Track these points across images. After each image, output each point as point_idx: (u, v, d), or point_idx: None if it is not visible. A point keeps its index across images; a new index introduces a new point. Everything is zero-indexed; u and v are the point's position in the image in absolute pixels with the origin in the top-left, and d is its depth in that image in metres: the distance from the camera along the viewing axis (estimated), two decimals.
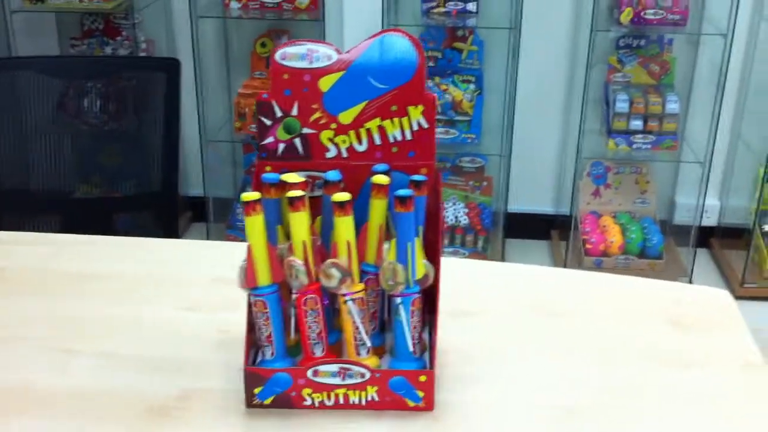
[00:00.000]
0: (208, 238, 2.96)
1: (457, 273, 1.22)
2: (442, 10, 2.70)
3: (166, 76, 1.77)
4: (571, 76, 2.93)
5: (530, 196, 3.18)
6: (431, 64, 2.94)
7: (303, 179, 0.91)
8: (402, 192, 0.87)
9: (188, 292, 1.14)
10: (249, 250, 0.89)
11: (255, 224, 0.88)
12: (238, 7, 2.62)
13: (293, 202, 0.88)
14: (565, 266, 3.00)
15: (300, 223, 0.88)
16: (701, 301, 1.14)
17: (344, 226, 0.88)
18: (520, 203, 3.17)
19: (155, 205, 1.78)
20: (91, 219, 1.78)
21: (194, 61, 2.84)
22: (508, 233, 3.19)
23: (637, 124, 2.73)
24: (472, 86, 2.87)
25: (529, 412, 0.91)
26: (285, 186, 0.90)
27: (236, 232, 2.91)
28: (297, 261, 0.88)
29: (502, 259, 3.07)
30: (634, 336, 1.04)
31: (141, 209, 1.82)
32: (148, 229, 1.82)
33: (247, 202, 0.88)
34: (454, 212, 3.03)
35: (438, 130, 2.82)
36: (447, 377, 0.96)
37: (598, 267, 2.91)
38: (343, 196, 0.88)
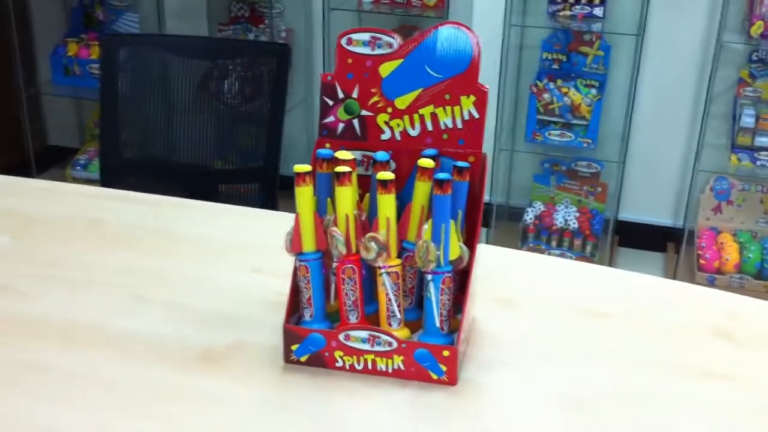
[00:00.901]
0: None
1: (512, 263, 1.26)
2: (568, 13, 2.69)
3: (276, 60, 1.88)
4: (698, 87, 2.85)
5: (646, 205, 3.11)
6: (555, 66, 2.94)
7: (353, 157, 0.97)
8: (441, 175, 0.92)
9: (260, 256, 1.22)
10: (297, 218, 0.96)
11: (303, 194, 0.96)
12: (370, 1, 2.72)
13: (339, 176, 0.94)
14: (674, 278, 2.92)
15: (344, 196, 0.95)
16: (760, 315, 1.12)
17: (385, 203, 0.94)
18: (635, 212, 3.12)
19: (259, 178, 1.91)
20: (203, 187, 1.93)
21: (323, 51, 2.97)
22: (620, 242, 3.14)
23: (762, 140, 2.63)
24: (593, 91, 2.85)
25: (546, 405, 0.93)
26: (338, 162, 0.97)
27: None
28: (338, 232, 0.95)
29: (610, 266, 3.03)
30: (673, 343, 1.05)
31: (247, 181, 1.95)
32: (252, 200, 1.94)
33: (298, 174, 0.96)
34: (565, 215, 3.01)
35: (554, 132, 2.82)
36: (477, 358, 1.00)
37: (710, 284, 2.82)
38: (386, 175, 0.94)
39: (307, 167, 0.96)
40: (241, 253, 1.25)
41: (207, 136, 2.01)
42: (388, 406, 0.93)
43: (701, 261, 2.85)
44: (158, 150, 2.01)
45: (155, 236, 1.31)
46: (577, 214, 3.02)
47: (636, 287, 1.19)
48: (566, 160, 3.03)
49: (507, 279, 1.19)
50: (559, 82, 2.90)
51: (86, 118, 3.69)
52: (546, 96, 2.82)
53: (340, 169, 0.95)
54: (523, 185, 3.17)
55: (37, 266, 1.22)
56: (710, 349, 1.04)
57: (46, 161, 3.69)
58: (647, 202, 3.12)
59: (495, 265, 1.21)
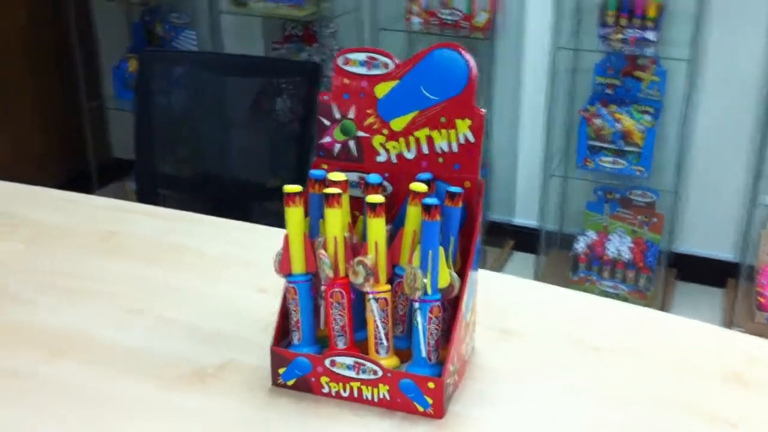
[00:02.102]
0: None
1: (520, 292, 1.22)
2: (620, 36, 2.63)
3: (307, 80, 1.89)
4: (759, 115, 2.75)
5: (705, 238, 3.01)
6: (609, 91, 2.87)
7: (344, 178, 0.95)
8: (428, 200, 0.90)
9: (268, 276, 1.20)
10: (286, 238, 0.95)
11: (293, 215, 0.94)
12: (419, 22, 2.70)
13: (329, 198, 0.92)
14: (732, 318, 2.81)
15: (334, 218, 0.93)
16: None
17: (375, 227, 0.92)
18: (693, 244, 3.01)
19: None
20: (234, 203, 1.94)
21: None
22: (679, 275, 3.04)
23: None
24: (647, 117, 2.77)
25: None
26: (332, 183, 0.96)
27: None
28: (325, 254, 0.93)
29: (664, 301, 2.93)
30: (680, 384, 0.99)
31: (274, 199, 1.95)
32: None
33: (288, 194, 0.94)
34: (618, 246, 2.93)
35: (606, 159, 2.76)
36: (471, 390, 0.96)
37: None
38: (375, 198, 0.91)
39: (298, 188, 0.95)
40: (249, 272, 1.24)
41: (234, 151, 2.02)
42: None
43: (760, 299, 2.73)
44: (192, 164, 2.03)
45: (165, 250, 1.31)
46: (631, 245, 2.93)
47: (648, 323, 1.14)
48: (621, 188, 2.95)
49: (513, 309, 1.14)
50: (613, 107, 2.83)
51: None
52: (597, 121, 2.75)
53: (329, 190, 0.93)
54: (575, 212, 3.10)
55: (41, 275, 1.24)
56: (719, 392, 0.98)
57: (108, 174, 3.78)
58: (706, 235, 3.01)
59: (501, 293, 1.18)
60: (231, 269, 1.26)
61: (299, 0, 2.84)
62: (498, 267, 2.98)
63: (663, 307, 2.90)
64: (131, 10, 3.59)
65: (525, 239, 3.12)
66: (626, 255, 2.91)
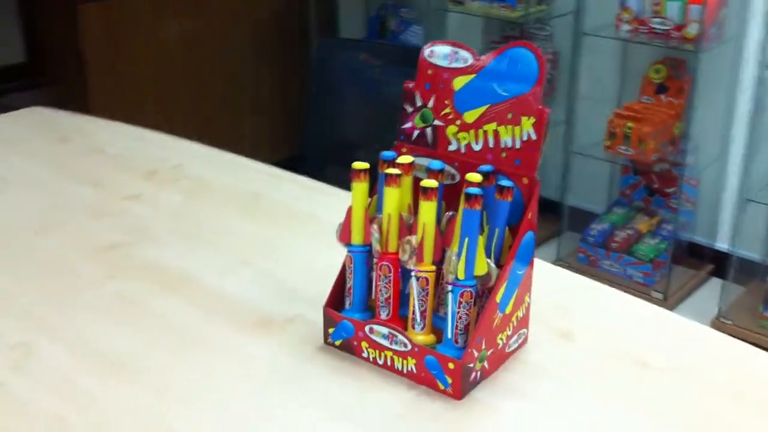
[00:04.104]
0: (559, 245, 3.04)
1: (595, 298, 1.20)
2: None
3: None
4: None
5: None
6: None
7: (410, 161, 1.01)
8: (471, 190, 0.93)
9: None
10: (349, 210, 1.03)
11: (358, 190, 1.02)
12: (628, 30, 2.64)
13: (387, 177, 0.99)
14: None
15: (390, 197, 0.99)
16: None
17: (425, 210, 0.97)
18: None
19: None
20: None
21: (570, 74, 2.94)
22: None
23: None
24: None
25: None
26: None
27: (586, 246, 2.94)
28: (375, 229, 0.99)
29: None
30: (722, 411, 0.94)
31: None
32: None
33: (355, 170, 1.02)
34: None
35: None
36: (503, 382, 0.98)
37: None
38: (429, 183, 0.96)
39: (365, 165, 1.02)
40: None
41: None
42: (387, 402, 0.96)
43: None
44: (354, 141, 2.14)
45: (293, 215, 1.44)
46: None
47: (722, 350, 1.08)
48: None
49: (580, 312, 1.14)
50: None
51: None
52: None
53: (389, 171, 0.99)
54: None
55: (184, 222, 1.42)
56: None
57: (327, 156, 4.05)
58: None
59: (574, 295, 1.18)
60: (327, 230, 1.34)
61: (512, 1, 2.87)
62: (688, 290, 2.83)
63: None
64: (371, 3, 3.81)
65: (724, 265, 2.94)
66: None
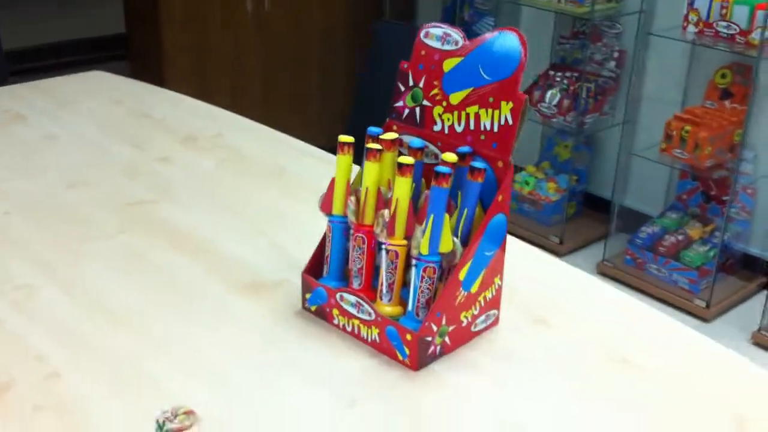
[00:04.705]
0: (606, 246, 3.00)
1: (581, 287, 1.20)
2: None
3: None
4: None
5: None
6: None
7: (394, 137, 1.04)
8: (440, 168, 0.95)
9: None
10: (332, 181, 1.06)
11: (342, 162, 1.06)
12: (694, 32, 2.58)
13: (368, 152, 1.02)
14: None
15: (370, 171, 1.03)
16: None
17: (400, 185, 1.00)
18: None
19: None
20: None
21: (630, 75, 2.89)
22: None
23: None
24: None
25: (486, 425, 0.92)
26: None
27: (634, 248, 2.89)
28: (352, 201, 1.03)
29: None
30: (689, 420, 0.94)
31: None
32: None
33: (341, 143, 1.05)
34: None
35: None
36: (464, 359, 1.01)
37: None
38: (405, 159, 0.99)
39: (350, 138, 1.06)
40: None
41: None
42: (349, 368, 0.99)
43: None
44: None
45: (309, 188, 1.49)
46: None
47: (695, 348, 1.07)
48: None
49: (560, 300, 1.15)
50: None
51: None
52: None
53: (371, 145, 1.03)
54: None
55: (209, 188, 1.49)
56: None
57: None
58: None
59: (561, 283, 1.19)
60: None
61: None
62: (735, 301, 2.75)
63: None
64: None
65: None
66: None
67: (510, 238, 1.15)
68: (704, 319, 2.68)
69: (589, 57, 3.14)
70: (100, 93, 2.02)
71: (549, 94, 3.17)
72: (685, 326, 1.13)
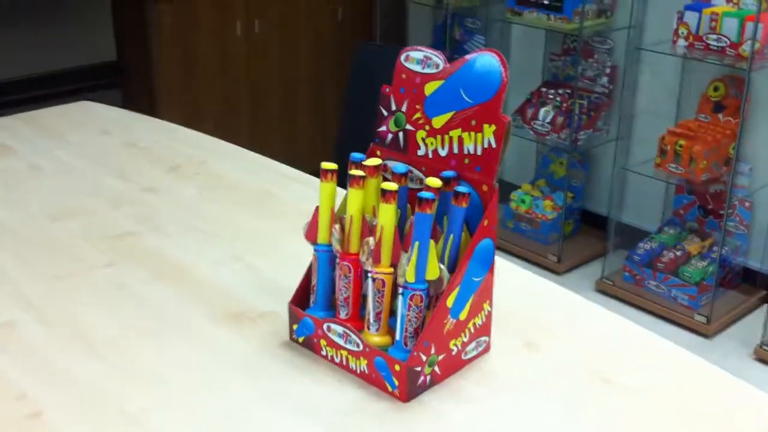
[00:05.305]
0: (604, 263, 2.97)
1: (572, 310, 1.18)
2: None
3: None
4: None
5: None
6: None
7: (377, 164, 1.02)
8: (423, 194, 0.94)
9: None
10: (316, 210, 1.04)
11: (325, 190, 1.04)
12: (684, 45, 2.57)
13: (351, 179, 1.00)
14: None
15: (354, 198, 1.01)
16: None
17: (384, 212, 0.98)
18: None
19: None
20: None
21: (620, 89, 2.88)
22: None
23: None
24: None
25: None
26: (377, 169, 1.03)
27: (632, 265, 2.87)
28: (336, 229, 1.01)
29: None
30: None
31: None
32: None
33: (324, 170, 1.04)
34: None
35: None
36: (455, 389, 0.98)
37: None
38: (388, 186, 0.97)
39: (333, 165, 1.04)
40: None
41: None
42: (336, 401, 0.97)
43: None
44: None
45: (295, 212, 1.47)
46: None
47: (686, 370, 1.05)
48: None
49: (551, 324, 1.12)
50: None
51: None
52: None
53: (354, 172, 1.01)
54: None
55: (190, 215, 1.47)
56: None
57: None
58: None
59: (554, 305, 1.17)
60: None
61: (568, 13, 2.83)
62: (736, 316, 2.73)
63: None
64: (438, 13, 3.82)
65: None
66: None
67: (501, 260, 1.13)
68: (705, 336, 2.65)
69: (581, 73, 3.13)
70: (88, 123, 2.01)
71: (542, 111, 3.16)
72: (679, 347, 1.10)
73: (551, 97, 3.16)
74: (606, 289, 2.89)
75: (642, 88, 2.97)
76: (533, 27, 3.12)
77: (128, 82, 3.36)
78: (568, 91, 3.14)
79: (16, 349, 1.06)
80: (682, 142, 2.60)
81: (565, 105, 3.10)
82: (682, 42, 2.56)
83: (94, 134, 1.92)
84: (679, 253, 2.78)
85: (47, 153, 1.78)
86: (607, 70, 3.11)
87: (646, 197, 3.08)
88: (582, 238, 3.27)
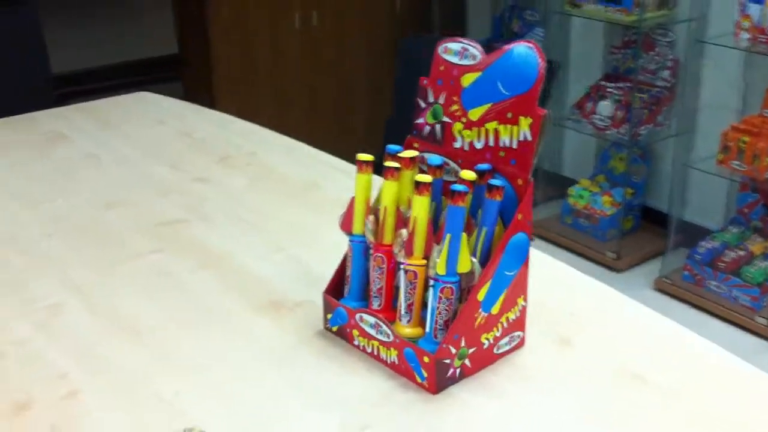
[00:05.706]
0: (664, 261, 2.91)
1: (604, 306, 1.16)
2: None
3: None
4: None
5: None
6: None
7: (413, 155, 1.02)
8: (456, 187, 0.93)
9: None
10: (351, 200, 1.05)
11: (361, 181, 1.04)
12: (747, 38, 2.49)
13: (386, 171, 1.00)
14: None
15: (388, 190, 1.01)
16: None
17: (418, 204, 0.97)
18: None
19: None
20: None
21: (682, 83, 2.81)
22: None
23: None
24: None
25: None
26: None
27: (693, 264, 2.80)
28: (370, 221, 1.01)
29: None
30: None
31: None
32: None
33: (360, 161, 1.04)
34: None
35: None
36: (485, 382, 0.98)
37: None
38: (422, 178, 0.97)
39: (369, 157, 1.04)
40: None
41: None
42: (366, 390, 0.97)
43: None
44: None
45: (335, 201, 1.46)
46: None
47: (726, 371, 1.02)
48: None
49: (586, 320, 1.10)
50: None
51: None
52: None
53: (389, 164, 1.01)
54: None
55: (239, 206, 1.49)
56: None
57: None
58: None
59: (584, 302, 1.16)
60: None
61: (628, 5, 2.78)
62: None
63: None
64: (497, 5, 3.79)
65: None
66: None
67: (538, 254, 1.12)
68: (767, 338, 2.57)
69: (641, 66, 3.07)
70: (144, 113, 2.05)
71: (601, 105, 3.11)
72: (714, 346, 1.07)
73: (611, 90, 3.10)
74: (665, 288, 2.83)
75: (704, 83, 2.89)
76: (592, 19, 3.07)
77: (189, 74, 3.42)
78: (629, 84, 3.07)
79: (60, 330, 1.10)
80: (745, 138, 2.53)
81: (625, 99, 3.04)
82: (744, 35, 2.49)
83: (149, 124, 1.96)
84: (741, 253, 2.70)
85: (103, 142, 1.83)
86: (669, 64, 3.04)
87: (708, 194, 3.00)
88: (642, 235, 3.20)
